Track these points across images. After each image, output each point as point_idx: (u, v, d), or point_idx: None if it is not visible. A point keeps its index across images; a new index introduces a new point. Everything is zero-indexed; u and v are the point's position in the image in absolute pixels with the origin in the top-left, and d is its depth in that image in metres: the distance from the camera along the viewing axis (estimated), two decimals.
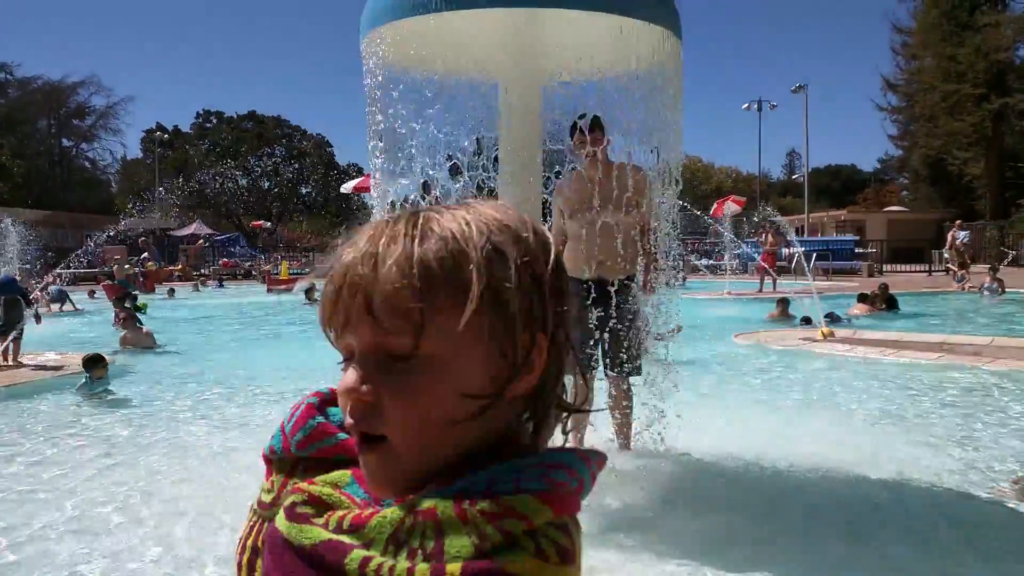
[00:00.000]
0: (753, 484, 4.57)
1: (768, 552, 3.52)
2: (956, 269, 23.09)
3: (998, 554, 3.61)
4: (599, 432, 4.89)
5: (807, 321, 12.19)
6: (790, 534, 3.79)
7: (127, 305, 14.84)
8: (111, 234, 16.65)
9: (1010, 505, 4.24)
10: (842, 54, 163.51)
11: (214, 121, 67.17)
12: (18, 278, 10.69)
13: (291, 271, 30.35)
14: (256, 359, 10.49)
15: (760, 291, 20.64)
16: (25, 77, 61.05)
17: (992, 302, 17.49)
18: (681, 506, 4.10)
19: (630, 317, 4.73)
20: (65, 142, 64.25)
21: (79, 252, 12.50)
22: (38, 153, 60.74)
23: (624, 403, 4.88)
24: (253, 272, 35.33)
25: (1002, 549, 3.67)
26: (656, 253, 4.70)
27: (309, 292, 17.76)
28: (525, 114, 4.51)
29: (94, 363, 7.67)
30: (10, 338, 9.10)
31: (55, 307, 17.57)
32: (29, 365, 9.11)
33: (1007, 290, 18.39)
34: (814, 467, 4.85)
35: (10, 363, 9.10)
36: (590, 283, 4.77)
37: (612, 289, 4.68)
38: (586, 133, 4.70)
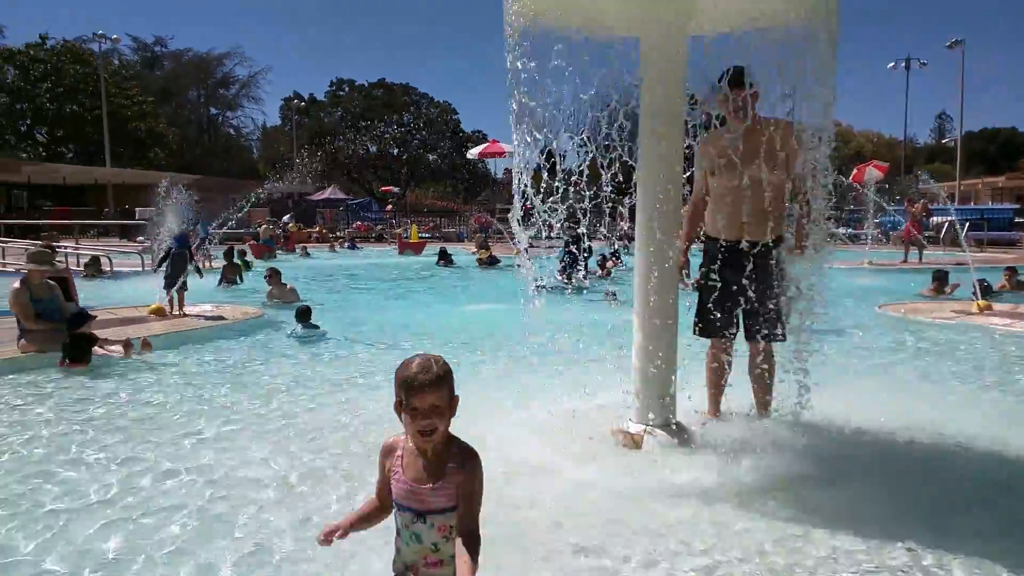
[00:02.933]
0: (893, 458, 4.34)
1: (901, 527, 3.38)
2: None
3: None
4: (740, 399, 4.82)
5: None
6: (923, 508, 3.63)
7: (235, 260, 15.88)
8: (257, 199, 17.56)
9: None
10: (1004, 4, 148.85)
11: (346, 89, 69.34)
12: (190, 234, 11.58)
13: (420, 234, 31.15)
14: (384, 313, 10.92)
15: (904, 262, 19.44)
16: (177, 50, 65.31)
17: None
18: (817, 476, 3.98)
19: (774, 281, 4.55)
20: (212, 111, 68.34)
21: (229, 214, 13.22)
22: (188, 122, 64.96)
23: (764, 370, 4.74)
24: (384, 235, 36.54)
25: None
26: (807, 214, 4.47)
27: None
28: (667, 70, 4.40)
29: (305, 315, 8.92)
30: (176, 287, 9.91)
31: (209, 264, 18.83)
32: (191, 315, 9.85)
33: None
34: (959, 443, 4.59)
35: (176, 313, 9.89)
36: (733, 245, 4.63)
37: (756, 251, 4.53)
38: (731, 88, 4.52)
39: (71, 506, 3.74)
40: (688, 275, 4.85)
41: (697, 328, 4.83)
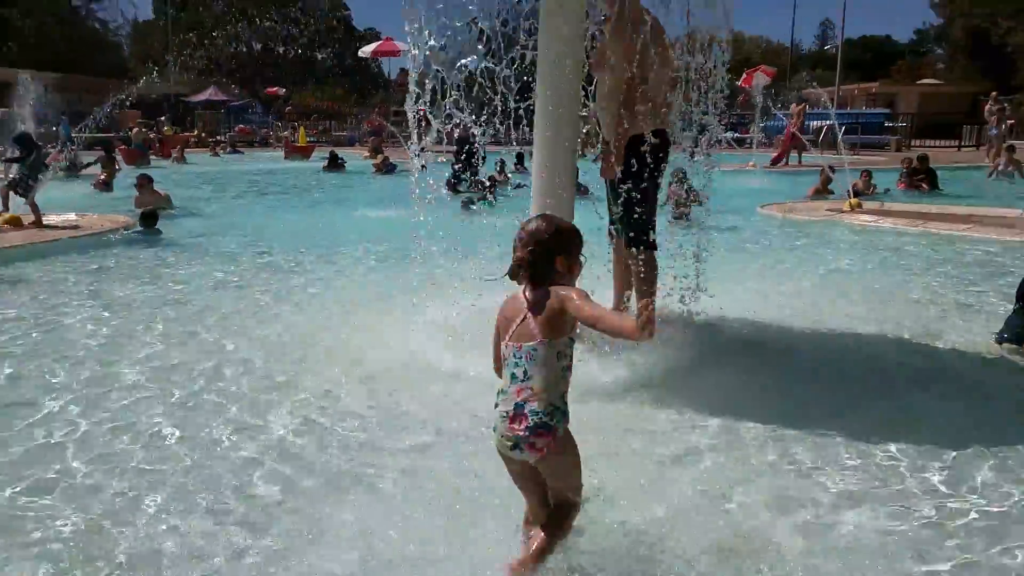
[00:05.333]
0: (767, 344, 4.72)
1: (778, 401, 3.76)
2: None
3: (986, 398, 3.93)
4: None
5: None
6: (800, 385, 4.02)
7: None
8: (128, 99, 16.06)
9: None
10: None
11: None
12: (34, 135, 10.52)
13: (308, 138, 29.92)
14: (270, 223, 10.50)
15: (786, 164, 20.20)
16: None
17: (1010, 185, 15.68)
18: (700, 365, 4.21)
19: (626, 183, 4.39)
20: (74, 1, 62.18)
21: (95, 116, 12.20)
22: (44, 11, 58.86)
23: (640, 274, 4.65)
24: (269, 140, 34.92)
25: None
26: (657, 112, 4.32)
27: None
28: None
29: (150, 218, 9.17)
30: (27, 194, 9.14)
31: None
32: (54, 225, 9.14)
33: None
34: (829, 329, 5.03)
35: (32, 225, 9.12)
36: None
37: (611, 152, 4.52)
38: None
39: None
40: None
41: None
